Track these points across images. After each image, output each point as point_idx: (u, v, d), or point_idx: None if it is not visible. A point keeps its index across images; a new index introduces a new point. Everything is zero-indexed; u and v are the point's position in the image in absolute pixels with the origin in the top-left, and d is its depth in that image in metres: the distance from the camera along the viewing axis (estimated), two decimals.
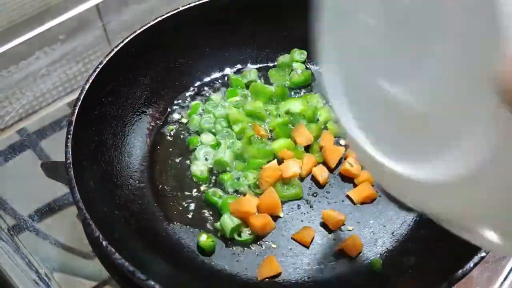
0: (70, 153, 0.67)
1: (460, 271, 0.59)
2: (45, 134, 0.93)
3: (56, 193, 0.83)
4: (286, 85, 0.93)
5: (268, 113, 0.88)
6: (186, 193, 0.79)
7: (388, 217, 0.76)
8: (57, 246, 0.77)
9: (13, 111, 0.98)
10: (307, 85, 0.94)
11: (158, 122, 0.88)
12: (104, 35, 1.19)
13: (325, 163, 0.82)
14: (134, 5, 1.20)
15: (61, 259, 0.76)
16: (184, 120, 0.89)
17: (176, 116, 0.90)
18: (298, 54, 0.96)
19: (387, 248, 0.73)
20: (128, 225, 0.70)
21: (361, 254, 0.72)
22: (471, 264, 0.59)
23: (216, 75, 0.95)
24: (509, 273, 0.74)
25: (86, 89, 0.74)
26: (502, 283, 0.73)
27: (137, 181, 0.79)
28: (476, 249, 0.60)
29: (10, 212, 0.81)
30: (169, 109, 0.90)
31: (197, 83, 0.94)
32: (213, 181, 0.81)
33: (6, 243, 0.77)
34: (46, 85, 1.03)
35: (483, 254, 0.60)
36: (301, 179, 0.80)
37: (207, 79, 0.95)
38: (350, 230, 0.75)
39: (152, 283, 0.58)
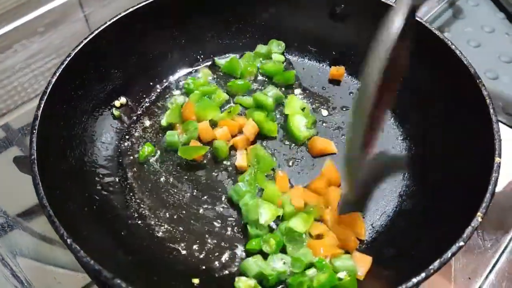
0: (35, 148, 0.65)
1: (438, 260, 0.57)
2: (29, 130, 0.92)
3: None
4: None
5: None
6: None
7: (367, 208, 0.74)
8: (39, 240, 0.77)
9: None
10: (290, 85, 0.90)
11: (129, 116, 0.85)
12: (86, 27, 1.17)
13: None
14: None
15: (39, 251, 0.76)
16: (157, 116, 0.86)
17: (148, 111, 0.87)
18: (276, 46, 0.93)
19: (366, 240, 0.71)
20: (98, 223, 0.69)
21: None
22: (448, 254, 0.57)
23: (189, 69, 0.93)
24: (494, 264, 0.72)
25: (52, 83, 0.71)
26: (487, 275, 0.71)
27: (107, 178, 0.76)
28: (454, 239, 0.58)
29: None
30: (141, 103, 0.87)
31: (171, 76, 0.91)
32: None
33: None
34: (27, 78, 1.01)
35: (461, 243, 0.58)
36: None
37: (182, 72, 0.92)
38: None
39: (118, 281, 0.56)
